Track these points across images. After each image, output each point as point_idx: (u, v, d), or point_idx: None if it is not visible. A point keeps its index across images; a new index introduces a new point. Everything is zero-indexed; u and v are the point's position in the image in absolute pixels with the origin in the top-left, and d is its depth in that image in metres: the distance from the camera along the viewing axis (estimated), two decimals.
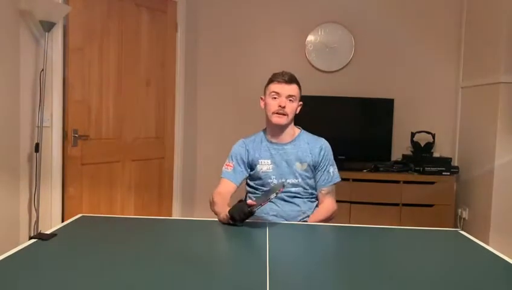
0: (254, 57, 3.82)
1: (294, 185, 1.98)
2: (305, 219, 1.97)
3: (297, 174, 1.98)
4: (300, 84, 2.00)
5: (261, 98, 2.03)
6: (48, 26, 2.61)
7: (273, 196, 1.59)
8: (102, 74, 3.02)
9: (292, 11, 3.79)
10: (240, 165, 2.01)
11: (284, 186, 1.65)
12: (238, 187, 2.01)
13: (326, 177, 2.01)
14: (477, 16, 3.44)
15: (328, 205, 2.02)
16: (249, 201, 1.64)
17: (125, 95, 3.17)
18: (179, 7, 3.53)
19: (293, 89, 1.94)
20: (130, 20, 3.17)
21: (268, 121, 1.99)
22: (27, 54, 2.70)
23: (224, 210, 1.70)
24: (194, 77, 3.83)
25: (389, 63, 3.74)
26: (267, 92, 1.97)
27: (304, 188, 2.00)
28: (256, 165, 2.00)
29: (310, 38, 3.77)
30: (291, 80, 1.94)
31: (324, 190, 2.01)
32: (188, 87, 3.72)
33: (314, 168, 2.01)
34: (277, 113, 1.92)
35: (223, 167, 2.03)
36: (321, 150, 2.00)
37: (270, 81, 1.98)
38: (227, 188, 1.96)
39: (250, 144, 2.04)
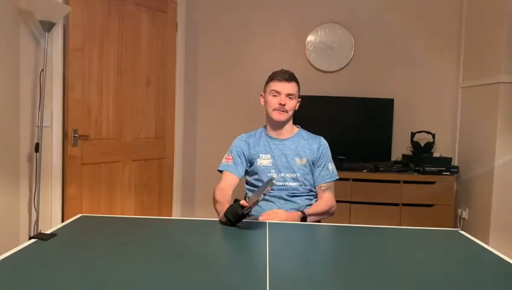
0: (254, 57, 3.83)
1: (293, 180, 2.00)
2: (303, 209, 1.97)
3: (295, 169, 2.00)
4: (300, 84, 2.05)
5: (261, 95, 2.08)
6: (48, 26, 2.61)
7: (261, 197, 1.59)
8: (102, 74, 3.02)
9: (292, 11, 3.79)
10: (239, 158, 2.04)
11: (272, 184, 1.65)
12: (240, 180, 2.02)
13: (326, 173, 2.04)
14: (477, 16, 3.44)
15: (327, 199, 2.03)
16: (242, 201, 1.64)
17: (125, 95, 3.18)
18: (179, 7, 3.53)
19: (292, 87, 1.99)
20: (130, 20, 3.17)
21: (268, 117, 2.04)
22: (27, 54, 2.70)
23: (224, 210, 1.71)
24: (194, 77, 3.83)
25: (389, 63, 3.74)
26: (268, 90, 2.02)
27: (304, 184, 2.01)
28: (256, 160, 2.03)
29: (310, 38, 3.77)
30: (291, 78, 1.99)
31: (323, 186, 2.04)
32: (188, 87, 3.72)
33: (313, 164, 2.03)
34: (277, 110, 1.97)
35: (223, 161, 2.05)
36: (320, 146, 2.04)
37: (270, 79, 2.02)
38: (229, 182, 1.98)
39: (251, 138, 2.08)
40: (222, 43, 3.85)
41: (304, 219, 1.91)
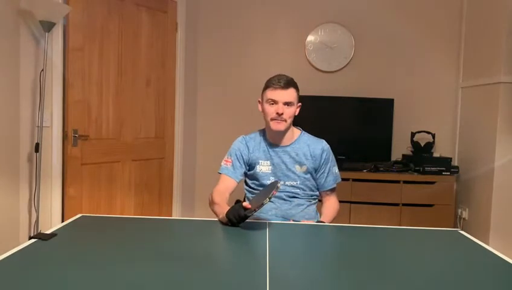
0: (254, 57, 3.83)
1: (293, 187, 1.99)
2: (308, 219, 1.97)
3: (296, 177, 1.98)
4: (300, 84, 1.99)
5: (259, 102, 2.00)
6: (48, 26, 2.61)
7: (266, 201, 1.58)
8: (102, 74, 3.02)
9: (292, 11, 3.79)
10: (238, 161, 2.01)
11: (277, 188, 1.63)
12: (237, 183, 2.01)
13: (332, 178, 2.04)
14: (477, 16, 3.44)
15: (335, 203, 2.06)
16: (244, 203, 1.64)
17: (125, 95, 3.18)
18: (179, 7, 3.53)
19: (289, 94, 1.89)
20: (130, 20, 3.17)
21: (267, 126, 1.98)
22: (27, 54, 2.70)
23: (223, 211, 1.71)
24: (194, 77, 3.83)
25: (389, 63, 3.74)
26: (264, 98, 1.94)
27: (303, 190, 2.00)
28: (255, 165, 2.00)
29: (310, 38, 3.77)
30: (288, 84, 1.89)
31: (330, 191, 2.05)
32: (188, 87, 3.72)
33: (315, 171, 2.01)
34: (275, 119, 1.90)
35: (222, 163, 2.03)
36: (323, 151, 2.00)
37: (266, 86, 1.93)
38: (226, 185, 1.96)
39: (251, 141, 2.03)
40: (222, 43, 3.85)
41: None
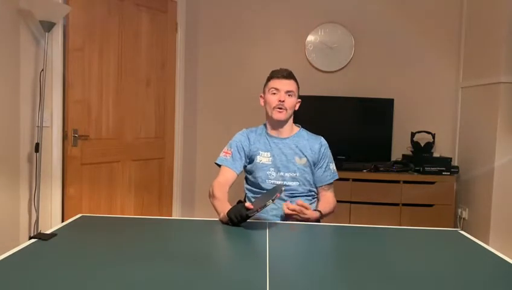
0: (254, 57, 3.83)
1: (292, 179, 2.00)
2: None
3: (295, 168, 2.00)
4: (300, 84, 2.05)
5: (261, 96, 2.08)
6: (48, 26, 2.61)
7: (269, 202, 1.59)
8: (102, 74, 3.02)
9: (292, 11, 3.79)
10: (239, 153, 2.04)
11: (282, 191, 1.64)
12: (237, 175, 2.02)
13: (328, 174, 2.06)
14: (477, 16, 3.44)
15: (330, 198, 2.05)
16: (247, 204, 1.64)
17: (125, 95, 3.18)
18: (179, 7, 3.53)
19: (291, 84, 1.99)
20: (130, 20, 3.17)
21: (268, 117, 2.04)
22: (27, 54, 2.70)
23: (224, 209, 1.71)
24: (194, 77, 3.83)
25: (389, 63, 3.74)
26: (267, 89, 2.02)
27: (303, 184, 2.01)
28: (255, 157, 2.03)
29: (310, 38, 3.77)
30: (290, 75, 2.00)
31: (327, 186, 2.06)
32: (188, 87, 3.72)
33: (313, 165, 2.03)
34: (277, 108, 1.97)
35: (221, 154, 2.05)
36: (321, 146, 2.04)
37: (269, 78, 2.03)
38: (226, 177, 1.98)
39: (252, 134, 2.08)
40: (222, 43, 3.85)
41: (318, 219, 1.91)
